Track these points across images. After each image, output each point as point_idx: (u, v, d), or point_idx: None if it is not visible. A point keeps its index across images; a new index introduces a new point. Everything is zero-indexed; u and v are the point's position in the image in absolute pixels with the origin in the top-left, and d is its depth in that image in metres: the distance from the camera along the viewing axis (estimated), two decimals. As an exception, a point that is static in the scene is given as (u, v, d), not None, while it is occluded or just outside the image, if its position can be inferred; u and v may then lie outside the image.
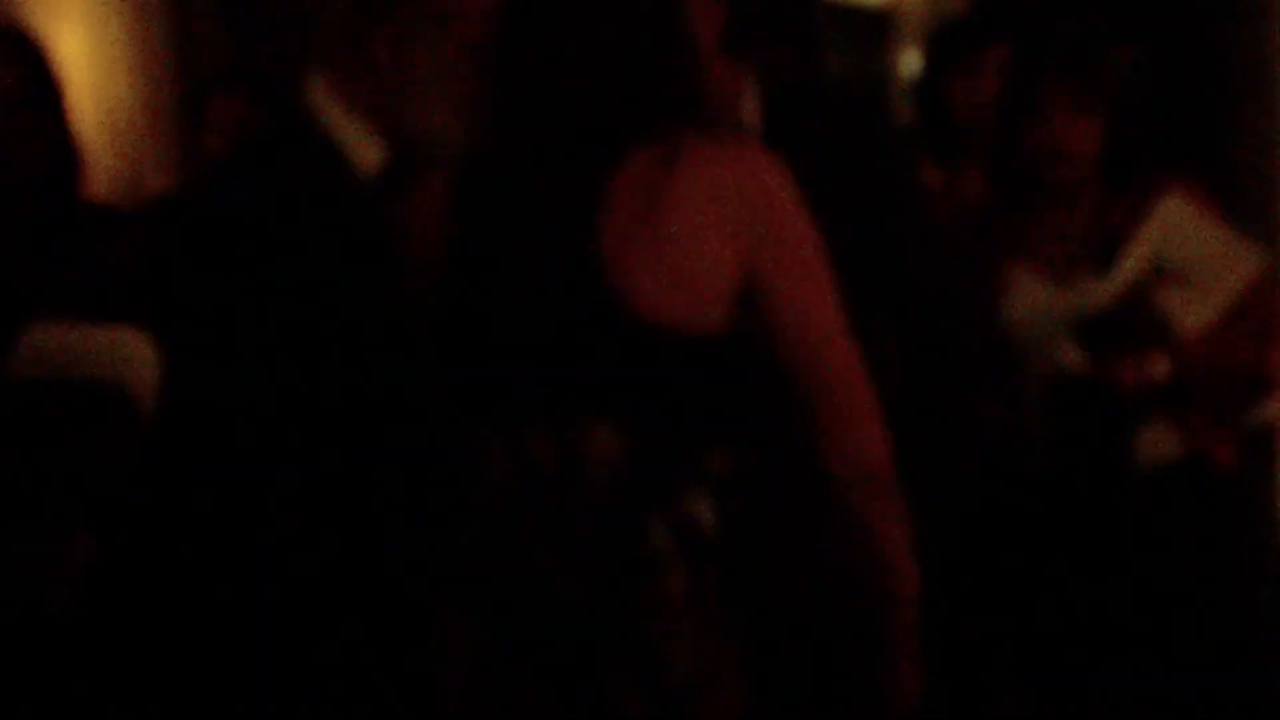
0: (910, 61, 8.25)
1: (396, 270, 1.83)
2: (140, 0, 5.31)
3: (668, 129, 1.74)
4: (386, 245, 2.03)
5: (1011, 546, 3.01)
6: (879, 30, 9.11)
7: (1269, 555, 3.16)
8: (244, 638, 1.90)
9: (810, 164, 2.36)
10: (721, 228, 1.70)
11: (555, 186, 1.72)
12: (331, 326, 2.02)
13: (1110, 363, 2.90)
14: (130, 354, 2.15)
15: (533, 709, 1.72)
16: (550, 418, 1.68)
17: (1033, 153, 3.04)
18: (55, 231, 2.70)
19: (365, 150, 2.13)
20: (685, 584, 1.69)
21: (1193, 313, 2.92)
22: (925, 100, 3.55)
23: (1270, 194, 4.34)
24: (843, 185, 2.37)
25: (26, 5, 5.13)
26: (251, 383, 2.03)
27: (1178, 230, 2.93)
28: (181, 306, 2.10)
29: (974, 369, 2.85)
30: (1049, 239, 3.09)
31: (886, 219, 2.46)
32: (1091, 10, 4.42)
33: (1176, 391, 2.92)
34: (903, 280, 2.50)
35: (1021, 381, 2.99)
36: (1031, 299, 3.03)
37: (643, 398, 1.69)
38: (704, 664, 1.69)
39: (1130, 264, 2.93)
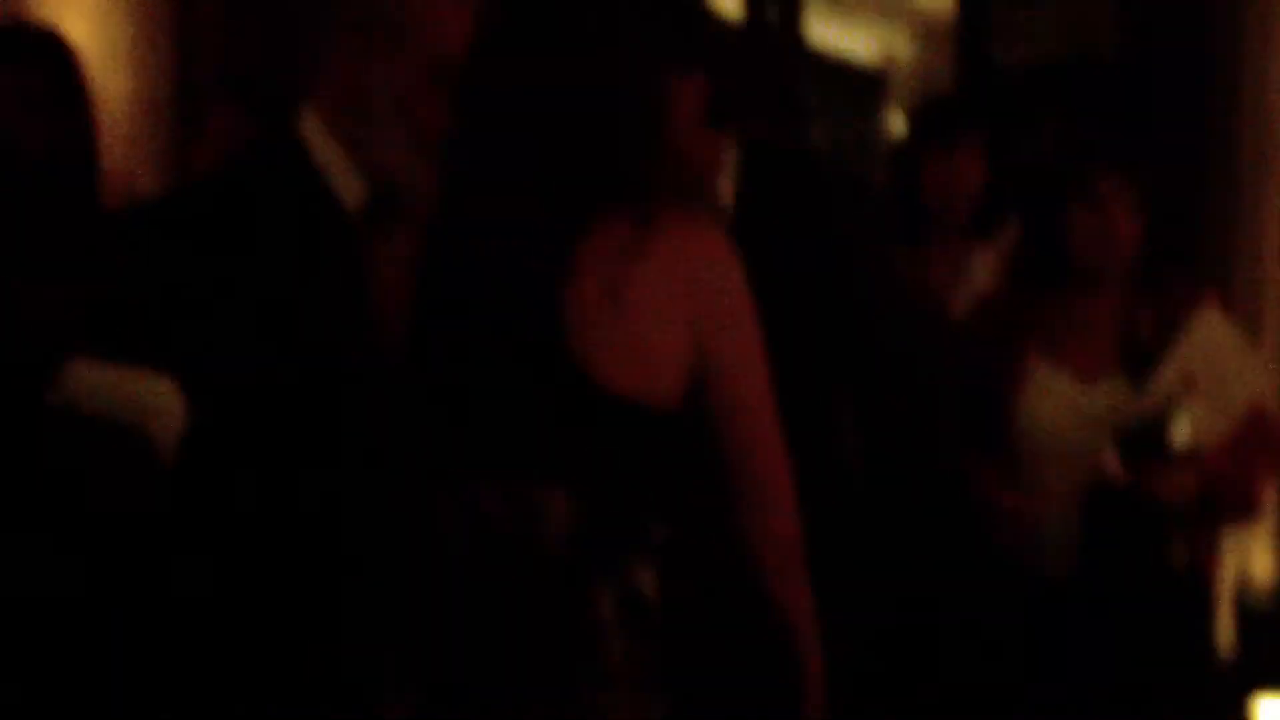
0: (899, 122, 8.34)
1: (366, 311, 1.88)
2: (145, 2, 5.35)
3: (635, 199, 1.78)
4: (362, 283, 2.10)
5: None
6: (871, 90, 9.22)
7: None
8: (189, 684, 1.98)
9: (782, 231, 2.44)
10: (680, 306, 1.75)
11: (523, 248, 1.74)
12: (298, 359, 2.08)
13: (1149, 474, 2.91)
14: (156, 401, 2.20)
15: None
16: (507, 479, 1.71)
17: (1082, 242, 3.01)
18: (76, 234, 2.77)
19: (350, 185, 2.20)
20: (624, 650, 1.73)
21: (1211, 428, 2.94)
22: (899, 175, 3.61)
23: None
24: (813, 254, 2.44)
25: (34, 3, 5.20)
26: (206, 401, 2.10)
27: (1211, 344, 2.98)
28: (152, 318, 2.17)
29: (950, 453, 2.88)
30: (1074, 334, 3.07)
31: (854, 289, 2.50)
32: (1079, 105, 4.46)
33: (1202, 502, 2.94)
34: (867, 355, 2.54)
35: (1042, 480, 3.00)
36: (1058, 398, 3.03)
37: (597, 465, 1.73)
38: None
39: (1169, 376, 2.95)
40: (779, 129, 4.31)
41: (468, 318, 1.76)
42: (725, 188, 2.45)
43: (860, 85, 8.83)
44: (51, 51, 2.85)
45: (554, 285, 1.73)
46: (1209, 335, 3.00)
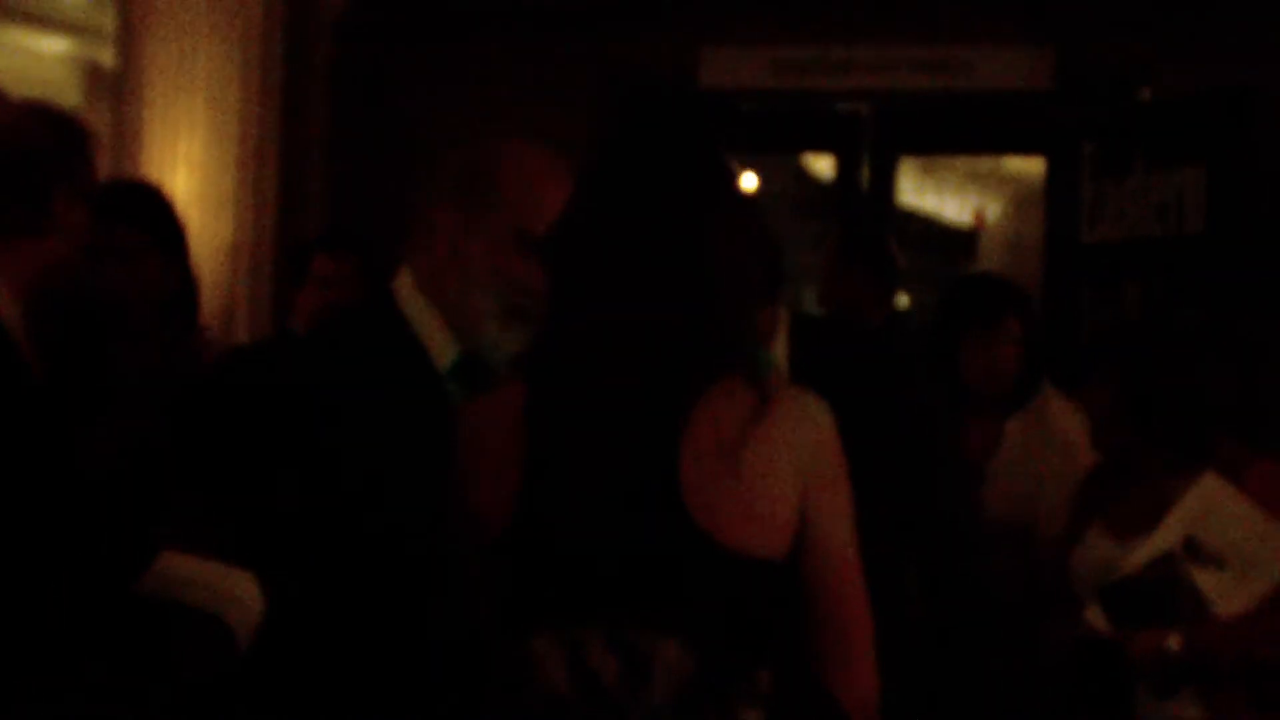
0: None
1: (455, 471, 1.93)
2: (254, 151, 5.53)
3: (732, 366, 1.85)
4: (453, 442, 2.16)
5: None
6: (966, 247, 9.30)
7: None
8: None
9: (832, 396, 2.50)
10: (789, 464, 1.81)
11: (638, 413, 1.80)
12: (389, 516, 2.14)
13: (1126, 629, 2.95)
14: (237, 592, 2.29)
15: None
16: (614, 629, 1.74)
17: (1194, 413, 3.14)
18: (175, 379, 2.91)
19: (443, 347, 2.28)
20: None
21: (1229, 596, 2.93)
22: (940, 353, 3.64)
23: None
24: (864, 417, 2.49)
25: (146, 153, 5.40)
26: (298, 557, 2.16)
27: (1215, 510, 2.98)
28: (250, 473, 2.24)
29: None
30: (1127, 494, 3.19)
31: (906, 452, 2.53)
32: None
33: (1204, 667, 2.91)
34: (925, 513, 2.58)
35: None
36: (1094, 554, 3.14)
37: (712, 617, 1.76)
38: None
39: (1160, 536, 2.99)
40: (868, 289, 4.39)
41: (578, 472, 1.80)
42: (781, 351, 2.53)
43: (952, 245, 8.90)
44: (154, 204, 2.99)
45: (673, 443, 1.78)
46: (1214, 501, 3.00)
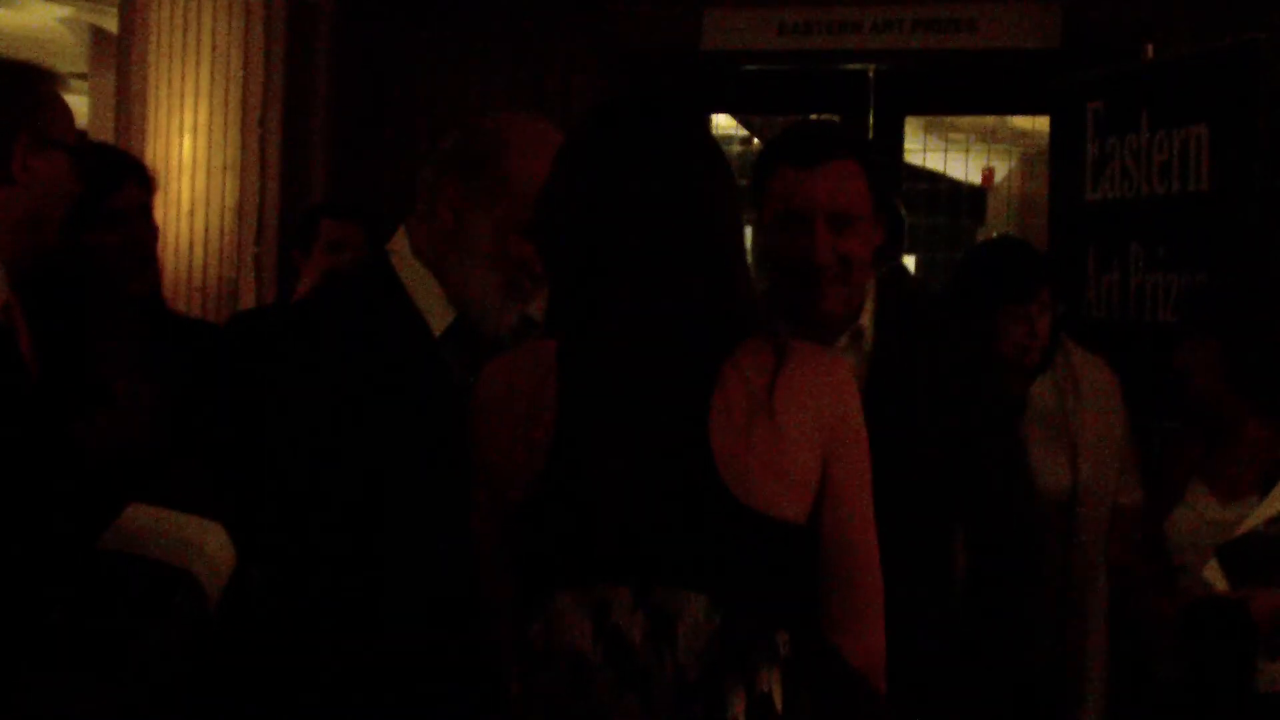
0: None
1: (458, 428, 1.97)
2: (257, 116, 5.54)
3: (760, 331, 1.89)
4: (447, 401, 2.18)
5: None
6: (975, 205, 9.28)
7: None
8: None
9: (907, 363, 2.51)
10: (812, 428, 1.84)
11: (665, 376, 1.83)
12: (391, 472, 2.17)
13: (1248, 589, 2.96)
14: (206, 545, 2.30)
15: None
16: (641, 586, 1.76)
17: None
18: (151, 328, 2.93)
19: (438, 312, 2.30)
20: None
21: None
22: (973, 323, 3.62)
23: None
24: (935, 387, 2.51)
25: (150, 118, 5.41)
26: (299, 516, 2.18)
27: None
28: (246, 434, 2.26)
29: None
30: (1227, 459, 3.24)
31: (968, 423, 2.55)
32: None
33: None
34: (979, 487, 2.59)
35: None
36: (1199, 514, 3.18)
37: (737, 576, 1.78)
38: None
39: (1277, 497, 3.03)
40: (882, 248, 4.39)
41: (614, 431, 1.82)
42: (866, 316, 2.55)
43: (962, 204, 8.87)
44: (146, 177, 3.00)
45: (703, 402, 1.81)
46: None
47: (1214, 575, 3.00)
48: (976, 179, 9.41)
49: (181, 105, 5.44)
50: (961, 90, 6.58)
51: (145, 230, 2.92)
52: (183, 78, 5.43)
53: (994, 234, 8.96)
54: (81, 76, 7.64)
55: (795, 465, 1.83)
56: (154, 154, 5.39)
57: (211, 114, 5.44)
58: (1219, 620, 2.97)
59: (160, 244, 3.12)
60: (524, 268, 2.27)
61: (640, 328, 1.84)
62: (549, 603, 1.79)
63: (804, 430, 1.84)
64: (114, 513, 2.28)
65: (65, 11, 7.35)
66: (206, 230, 5.40)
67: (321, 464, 2.16)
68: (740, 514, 1.79)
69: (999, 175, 9.31)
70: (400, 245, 2.34)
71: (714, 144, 1.97)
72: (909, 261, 6.99)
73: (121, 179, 2.88)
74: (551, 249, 1.93)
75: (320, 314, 2.35)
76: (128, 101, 5.54)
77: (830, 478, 1.86)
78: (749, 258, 2.02)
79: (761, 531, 1.80)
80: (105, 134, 6.12)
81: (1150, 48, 5.76)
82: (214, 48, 5.45)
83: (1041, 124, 6.80)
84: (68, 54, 7.73)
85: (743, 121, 8.49)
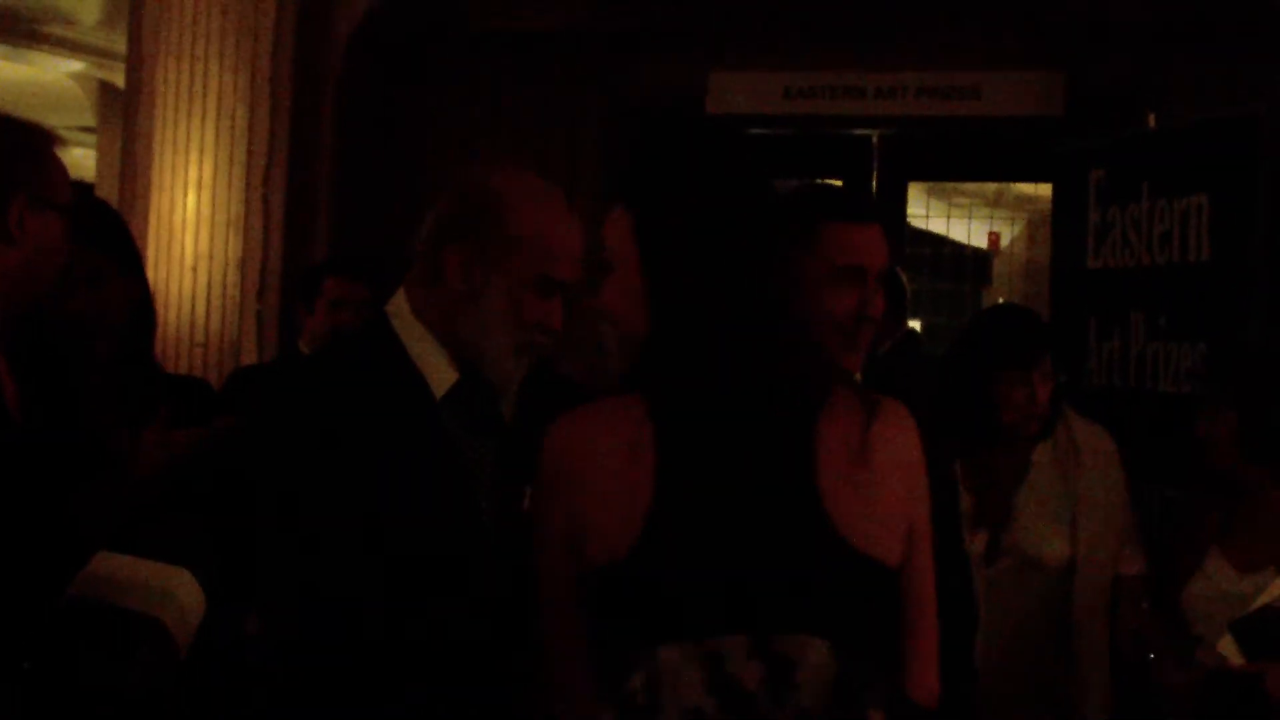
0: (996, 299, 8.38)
1: (468, 486, 1.95)
2: (262, 173, 5.57)
3: (845, 383, 1.96)
4: (452, 462, 2.20)
5: None
6: (981, 270, 9.29)
7: None
8: None
9: None
10: (902, 476, 1.90)
11: (769, 428, 1.87)
12: (391, 532, 2.15)
13: (1264, 663, 2.93)
14: (175, 592, 2.30)
15: None
16: (757, 636, 1.77)
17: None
18: (136, 387, 2.90)
19: (439, 372, 2.28)
20: None
21: None
22: (974, 391, 3.60)
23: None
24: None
25: (156, 173, 5.44)
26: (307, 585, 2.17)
27: None
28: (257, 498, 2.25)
29: None
30: (1245, 529, 3.22)
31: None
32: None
33: None
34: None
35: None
36: (1216, 585, 3.17)
37: (853, 621, 1.82)
38: None
39: None
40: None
41: (719, 487, 1.84)
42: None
43: (967, 267, 8.89)
44: (114, 227, 2.98)
45: (809, 450, 1.85)
46: None
47: (1228, 649, 2.98)
48: (982, 243, 9.43)
49: (187, 161, 5.47)
50: (964, 156, 6.61)
51: (99, 299, 2.88)
52: (188, 133, 5.46)
53: (1000, 299, 8.97)
54: (90, 130, 7.70)
55: (892, 512, 1.88)
56: (158, 209, 5.41)
57: (216, 169, 5.47)
58: (1234, 694, 2.94)
59: (162, 298, 3.11)
60: (538, 327, 2.27)
61: (741, 383, 1.88)
62: (650, 659, 1.78)
63: (896, 478, 1.89)
64: (82, 562, 2.28)
65: (76, 66, 7.41)
66: (210, 285, 5.41)
67: (322, 523, 2.14)
68: (854, 559, 1.83)
69: (1004, 240, 9.33)
70: (400, 307, 2.33)
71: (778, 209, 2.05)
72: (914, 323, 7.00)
73: (75, 242, 2.88)
74: (658, 308, 1.94)
75: (322, 375, 2.34)
76: (133, 156, 5.58)
77: (914, 525, 1.92)
78: None
79: (872, 576, 1.85)
80: (111, 187, 6.16)
81: (1152, 117, 5.79)
82: (220, 104, 5.49)
83: (1046, 190, 6.83)
84: (77, 108, 7.79)
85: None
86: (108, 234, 2.93)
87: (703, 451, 1.86)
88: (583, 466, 1.87)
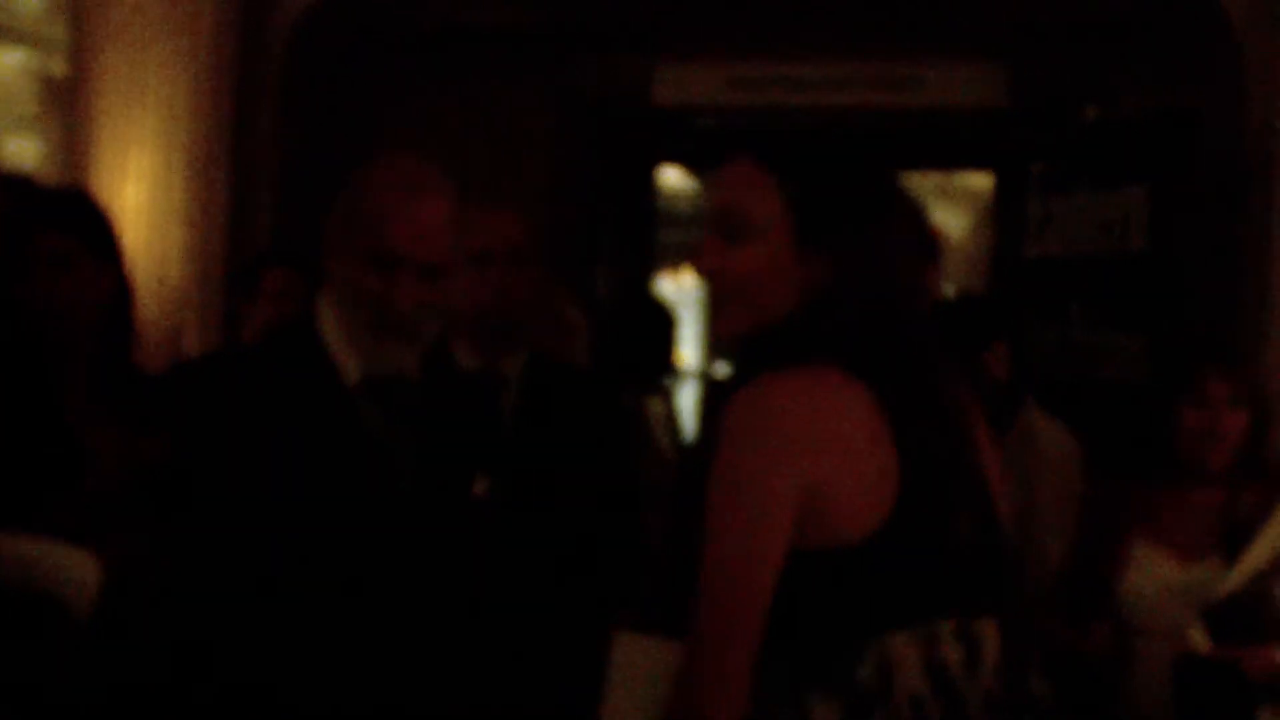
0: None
1: (374, 472, 1.99)
2: (204, 163, 5.52)
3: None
4: (362, 448, 2.23)
5: None
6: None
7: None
8: None
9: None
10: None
11: (960, 417, 1.96)
12: (298, 522, 2.19)
13: (1234, 648, 2.97)
14: (73, 573, 2.31)
15: None
16: (961, 619, 1.86)
17: (1188, 440, 3.18)
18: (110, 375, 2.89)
19: (350, 364, 2.30)
20: None
21: None
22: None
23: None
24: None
25: (97, 164, 5.39)
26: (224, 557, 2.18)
27: None
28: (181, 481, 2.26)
29: None
30: (1177, 518, 3.22)
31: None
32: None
33: None
34: None
35: (1141, 652, 3.13)
36: (1158, 575, 3.16)
37: (1014, 601, 1.94)
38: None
39: (1257, 555, 3.04)
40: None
41: (948, 474, 1.89)
42: None
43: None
44: (85, 212, 2.97)
45: (979, 444, 1.97)
46: None
47: (1199, 637, 3.02)
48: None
49: (126, 150, 5.42)
50: (908, 147, 6.64)
51: (70, 283, 2.87)
52: (129, 124, 5.41)
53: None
54: (32, 121, 7.61)
55: (1005, 503, 2.00)
56: (99, 199, 5.36)
57: (157, 159, 5.42)
58: (1212, 680, 2.98)
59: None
60: (387, 306, 2.25)
61: (933, 364, 1.96)
62: (880, 644, 1.82)
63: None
64: None
65: (15, 56, 7.32)
66: (151, 277, 5.37)
67: (226, 508, 2.18)
68: (1007, 539, 1.97)
69: (950, 231, 9.37)
70: (325, 296, 2.35)
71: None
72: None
73: (41, 225, 2.85)
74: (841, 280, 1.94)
75: (239, 365, 2.40)
76: (74, 147, 5.52)
77: None
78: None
79: (1011, 553, 1.99)
80: (52, 178, 6.10)
81: (1093, 109, 5.84)
82: (161, 94, 5.44)
83: (989, 181, 6.87)
84: (19, 98, 7.70)
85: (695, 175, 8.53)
86: (77, 218, 2.93)
87: (925, 433, 1.88)
88: (829, 438, 1.82)
